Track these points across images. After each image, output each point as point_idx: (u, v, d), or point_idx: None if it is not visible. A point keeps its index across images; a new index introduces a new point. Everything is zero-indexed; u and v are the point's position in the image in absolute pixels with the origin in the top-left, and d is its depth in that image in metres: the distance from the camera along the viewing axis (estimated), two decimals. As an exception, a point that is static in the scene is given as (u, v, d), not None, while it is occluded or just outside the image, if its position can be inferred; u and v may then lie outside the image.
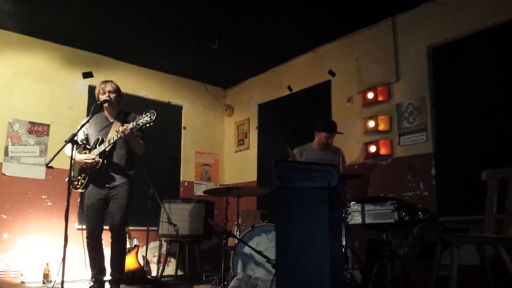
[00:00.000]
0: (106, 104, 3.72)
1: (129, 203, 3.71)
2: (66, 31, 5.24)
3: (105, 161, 3.62)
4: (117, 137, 3.54)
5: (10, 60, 5.19)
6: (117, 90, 3.78)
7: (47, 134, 5.31)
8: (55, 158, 3.34)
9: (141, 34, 5.29)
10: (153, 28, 5.13)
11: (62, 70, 5.54)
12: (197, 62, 6.10)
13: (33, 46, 5.35)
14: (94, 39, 5.43)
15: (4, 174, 4.97)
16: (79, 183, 3.66)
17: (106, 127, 3.77)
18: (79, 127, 3.56)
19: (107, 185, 3.67)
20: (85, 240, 3.66)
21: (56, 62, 5.51)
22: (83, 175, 3.68)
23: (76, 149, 3.43)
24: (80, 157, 3.61)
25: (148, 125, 3.40)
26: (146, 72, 6.31)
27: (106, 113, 3.83)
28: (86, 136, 3.82)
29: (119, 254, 3.68)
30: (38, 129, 5.26)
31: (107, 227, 3.71)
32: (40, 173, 5.18)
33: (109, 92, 3.71)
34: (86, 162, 3.60)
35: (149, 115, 3.38)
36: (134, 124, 3.44)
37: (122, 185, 3.69)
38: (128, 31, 5.23)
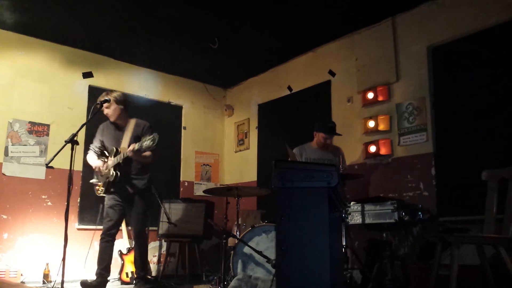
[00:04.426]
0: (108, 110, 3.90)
1: (147, 207, 4.01)
2: (66, 31, 5.24)
3: (119, 172, 3.82)
4: (124, 155, 3.76)
5: (10, 60, 5.18)
6: (114, 100, 3.90)
7: (47, 134, 5.31)
8: (55, 158, 3.35)
9: (141, 34, 5.29)
10: (153, 28, 5.13)
11: (62, 70, 5.54)
12: (197, 62, 6.09)
13: (33, 46, 5.35)
14: (94, 39, 5.43)
15: (4, 174, 4.97)
16: (100, 189, 3.98)
17: (117, 136, 3.99)
18: (79, 128, 3.56)
19: (124, 192, 3.91)
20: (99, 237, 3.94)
21: (56, 62, 5.51)
22: (102, 182, 3.96)
23: (98, 157, 4.02)
24: (93, 164, 3.99)
25: (150, 148, 3.61)
26: (146, 72, 6.31)
27: (115, 121, 4.03)
28: (101, 143, 4.08)
29: (140, 255, 4.01)
30: (38, 129, 5.26)
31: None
32: (40, 173, 5.18)
33: (106, 108, 3.90)
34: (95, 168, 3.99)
35: (151, 140, 3.54)
36: (137, 147, 3.63)
37: (139, 191, 3.93)
38: (128, 31, 5.23)
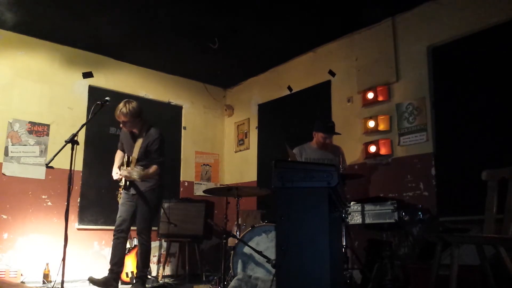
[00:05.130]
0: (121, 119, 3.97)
1: (153, 208, 4.08)
2: (66, 31, 5.24)
3: (127, 182, 3.98)
4: (121, 175, 3.97)
5: (10, 60, 5.18)
6: (131, 114, 3.93)
7: (47, 134, 5.31)
8: (55, 158, 3.35)
9: (141, 34, 5.29)
10: (153, 28, 5.13)
11: (62, 70, 5.54)
12: (197, 62, 6.09)
13: (33, 46, 5.35)
14: (94, 39, 5.43)
15: (4, 174, 4.97)
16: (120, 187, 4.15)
17: (132, 144, 4.09)
18: (79, 128, 3.56)
19: (133, 193, 4.02)
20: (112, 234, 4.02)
21: (56, 62, 5.51)
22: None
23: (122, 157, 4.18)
24: (113, 173, 4.12)
25: (137, 178, 3.81)
26: (146, 72, 6.31)
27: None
28: (122, 145, 4.23)
29: (141, 254, 4.06)
30: (38, 129, 5.26)
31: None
32: (40, 173, 5.18)
33: (123, 122, 3.99)
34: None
35: (137, 172, 3.77)
36: (129, 173, 3.81)
37: (145, 192, 4.00)
38: (128, 31, 5.23)
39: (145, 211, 4.00)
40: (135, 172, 3.77)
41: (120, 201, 4.09)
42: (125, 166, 4.04)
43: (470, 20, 4.13)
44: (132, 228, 5.28)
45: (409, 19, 4.66)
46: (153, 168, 3.98)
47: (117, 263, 3.93)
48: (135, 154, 4.01)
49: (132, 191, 4.02)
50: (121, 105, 3.94)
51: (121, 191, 4.11)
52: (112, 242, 3.99)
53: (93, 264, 5.22)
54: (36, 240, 5.03)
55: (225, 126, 7.12)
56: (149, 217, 4.06)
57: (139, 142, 4.04)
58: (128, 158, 4.05)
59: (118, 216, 4.03)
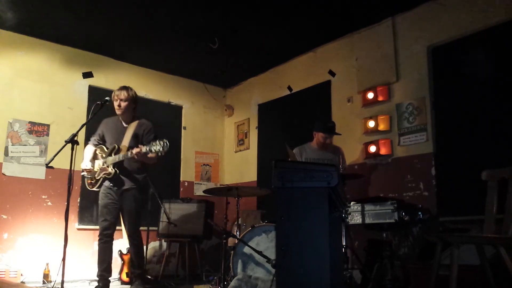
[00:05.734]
0: (119, 112, 3.92)
1: (140, 206, 3.94)
2: (66, 31, 5.24)
3: (117, 170, 3.82)
4: (130, 155, 3.70)
5: (10, 60, 5.18)
6: (131, 98, 3.93)
7: (47, 134, 5.31)
8: (55, 158, 3.35)
9: (141, 34, 5.29)
10: (153, 28, 5.13)
11: (62, 70, 5.54)
12: (197, 62, 6.10)
13: (33, 46, 5.35)
14: (94, 39, 5.43)
15: (4, 174, 4.97)
16: (90, 184, 3.96)
17: (121, 132, 3.96)
18: (79, 128, 3.56)
19: (118, 189, 3.88)
20: (97, 238, 3.87)
21: (56, 62, 5.51)
22: (96, 177, 3.93)
23: (95, 152, 4.00)
24: (82, 166, 3.92)
25: (159, 153, 3.56)
26: (146, 72, 6.31)
27: (120, 117, 4.01)
28: (100, 137, 4.06)
29: (135, 255, 3.97)
30: (38, 129, 5.26)
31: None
32: (40, 173, 5.18)
33: (121, 100, 3.90)
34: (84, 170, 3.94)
35: (162, 145, 3.50)
36: (147, 149, 3.58)
37: (131, 189, 3.88)
38: (128, 31, 5.23)
39: (134, 212, 3.87)
40: (158, 144, 3.50)
41: (102, 202, 3.88)
42: (112, 155, 3.84)
43: (470, 20, 4.13)
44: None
45: (409, 19, 4.66)
46: (151, 154, 3.77)
47: (106, 269, 3.83)
48: (126, 142, 3.86)
49: (122, 186, 3.86)
50: (122, 87, 3.92)
51: (93, 186, 3.94)
52: (98, 246, 3.85)
53: (93, 264, 5.19)
54: (36, 240, 5.03)
55: (225, 126, 7.12)
56: (139, 217, 3.94)
57: (131, 130, 3.92)
58: (117, 147, 3.87)
59: (102, 219, 3.85)
